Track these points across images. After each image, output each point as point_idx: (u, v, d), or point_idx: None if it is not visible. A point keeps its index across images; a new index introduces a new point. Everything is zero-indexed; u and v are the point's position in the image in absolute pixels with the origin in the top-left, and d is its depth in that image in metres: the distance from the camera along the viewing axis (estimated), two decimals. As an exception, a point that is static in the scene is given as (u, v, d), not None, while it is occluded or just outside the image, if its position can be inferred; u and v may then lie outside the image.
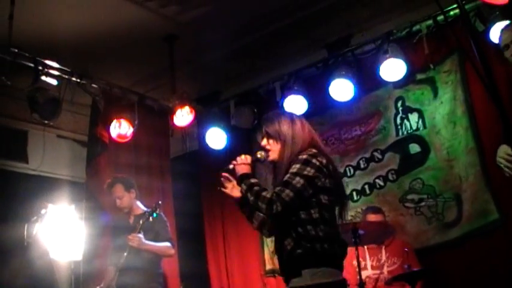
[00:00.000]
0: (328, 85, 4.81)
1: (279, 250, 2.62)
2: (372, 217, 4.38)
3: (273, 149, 2.74)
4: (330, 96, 4.84)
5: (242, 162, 2.81)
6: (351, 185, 5.08)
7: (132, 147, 5.22)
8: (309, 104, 5.00)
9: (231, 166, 2.83)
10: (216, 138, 5.43)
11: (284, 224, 2.55)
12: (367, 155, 5.05)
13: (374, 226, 4.12)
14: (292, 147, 2.63)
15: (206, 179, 5.80)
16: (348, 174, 5.14)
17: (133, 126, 4.98)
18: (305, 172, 2.49)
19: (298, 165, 2.53)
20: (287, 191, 2.48)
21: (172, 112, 5.13)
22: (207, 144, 5.45)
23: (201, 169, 5.89)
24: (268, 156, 2.76)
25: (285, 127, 2.71)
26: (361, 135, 5.11)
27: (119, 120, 4.94)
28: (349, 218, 4.80)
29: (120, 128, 4.95)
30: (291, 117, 2.77)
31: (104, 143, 4.98)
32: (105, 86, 5.02)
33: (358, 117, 5.15)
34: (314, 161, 2.54)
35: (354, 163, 5.13)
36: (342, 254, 2.61)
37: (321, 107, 5.16)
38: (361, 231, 3.80)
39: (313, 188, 2.53)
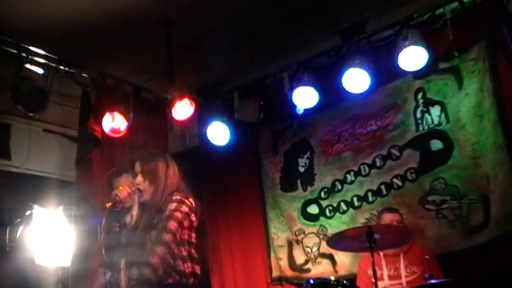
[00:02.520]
0: (341, 75, 4.75)
1: None
2: (388, 216, 4.36)
3: (145, 190, 3.10)
4: (343, 87, 4.78)
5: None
6: (365, 185, 5.07)
7: (126, 143, 5.12)
8: (319, 96, 4.96)
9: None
10: (219, 133, 5.38)
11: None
12: (384, 152, 5.01)
13: (391, 229, 4.05)
14: (162, 194, 3.07)
15: (208, 177, 5.84)
16: (363, 173, 5.12)
17: (128, 120, 4.91)
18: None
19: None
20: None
21: (171, 104, 5.10)
22: (208, 140, 5.41)
23: (202, 167, 5.91)
24: (141, 196, 3.10)
25: (161, 170, 3.12)
26: (377, 131, 5.08)
27: (112, 113, 4.87)
28: (364, 220, 4.97)
29: (114, 122, 4.87)
30: (166, 160, 3.20)
31: (96, 138, 4.90)
32: (96, 75, 4.94)
33: (374, 110, 5.11)
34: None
35: (369, 161, 5.09)
36: None
37: (333, 99, 5.15)
38: (377, 236, 3.78)
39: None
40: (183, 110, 5.07)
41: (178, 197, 3.05)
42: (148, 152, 3.32)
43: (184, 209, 3.04)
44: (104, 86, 5.02)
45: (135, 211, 3.75)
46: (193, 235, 3.13)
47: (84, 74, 4.82)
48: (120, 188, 3.17)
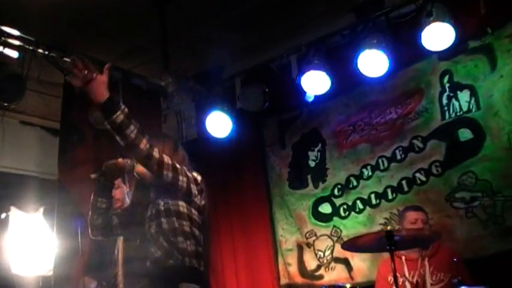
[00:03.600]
0: (357, 58, 4.71)
1: None
2: (412, 215, 4.28)
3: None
4: (359, 71, 4.75)
5: None
6: (384, 181, 5.01)
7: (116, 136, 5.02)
8: (332, 81, 4.93)
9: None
10: (219, 124, 5.37)
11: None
12: (405, 144, 4.95)
13: (413, 233, 3.92)
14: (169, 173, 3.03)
15: (207, 173, 5.43)
16: (381, 167, 5.06)
17: None
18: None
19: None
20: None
21: (165, 92, 5.11)
22: (207, 132, 5.40)
23: (200, 162, 5.56)
24: (136, 167, 3.10)
25: (167, 151, 3.07)
26: (397, 119, 5.02)
27: None
28: (383, 221, 4.92)
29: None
30: (175, 144, 3.28)
31: (81, 131, 4.92)
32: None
33: (393, 96, 5.06)
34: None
35: (388, 153, 5.04)
36: None
37: (348, 84, 5.13)
38: (397, 237, 3.63)
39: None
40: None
41: (185, 168, 3.09)
42: (156, 132, 3.47)
43: (188, 176, 3.05)
44: None
45: (126, 188, 4.09)
46: (196, 213, 3.12)
47: (66, 59, 4.70)
48: (109, 162, 3.18)
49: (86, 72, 2.86)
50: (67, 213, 4.61)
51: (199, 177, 3.18)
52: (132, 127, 2.80)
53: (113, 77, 4.87)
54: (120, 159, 3.22)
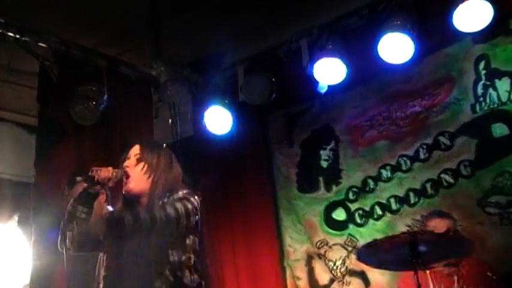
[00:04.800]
0: (377, 42, 4.66)
1: None
2: (438, 222, 4.21)
3: (135, 177, 3.10)
4: (379, 57, 4.71)
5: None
6: (406, 183, 4.97)
7: (101, 132, 5.13)
8: (348, 69, 4.88)
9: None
10: (218, 119, 5.35)
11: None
12: (430, 141, 4.90)
13: (441, 238, 3.86)
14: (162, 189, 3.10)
15: (205, 176, 5.62)
16: (403, 167, 5.00)
17: (101, 103, 4.89)
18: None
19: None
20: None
21: (157, 83, 5.14)
22: (205, 129, 5.39)
23: (197, 163, 5.69)
24: (126, 183, 3.11)
25: (162, 166, 3.14)
26: (420, 113, 4.97)
27: (81, 94, 4.86)
28: (405, 228, 4.82)
29: (84, 106, 4.86)
30: (170, 157, 3.26)
31: (62, 128, 4.93)
32: (58, 45, 4.85)
33: (419, 87, 5.01)
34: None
35: (410, 152, 4.98)
36: None
37: (366, 73, 5.10)
38: (422, 247, 3.58)
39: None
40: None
41: (181, 193, 3.09)
42: (153, 142, 3.45)
43: (190, 206, 3.06)
44: (68, 60, 4.97)
45: (108, 200, 3.89)
46: (197, 241, 3.15)
47: (41, 44, 4.73)
48: (99, 168, 3.13)
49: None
50: (45, 221, 4.55)
51: (196, 202, 3.15)
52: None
53: (96, 65, 5.04)
54: (111, 168, 3.14)
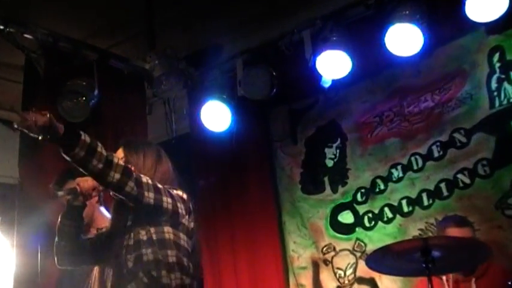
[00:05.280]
0: (385, 33, 4.62)
1: None
2: (455, 233, 4.14)
3: None
4: (387, 49, 4.67)
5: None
6: (418, 183, 4.92)
7: (92, 129, 4.97)
8: (353, 62, 4.84)
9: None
10: (216, 115, 5.33)
11: None
12: (444, 138, 4.86)
13: (457, 243, 3.83)
14: None
15: (202, 176, 5.72)
16: (414, 166, 4.96)
17: (91, 99, 4.89)
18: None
19: None
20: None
21: (150, 77, 5.12)
22: (202, 125, 5.37)
23: (194, 162, 5.80)
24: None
25: (149, 163, 3.15)
26: (434, 108, 4.93)
27: (70, 89, 4.85)
28: (417, 233, 4.82)
29: (73, 102, 4.83)
30: (158, 153, 3.25)
31: None
32: (45, 37, 4.81)
33: (429, 80, 4.97)
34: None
35: (423, 150, 4.95)
36: None
37: (373, 66, 5.08)
38: (436, 253, 3.56)
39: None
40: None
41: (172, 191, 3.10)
42: (136, 140, 3.42)
43: (173, 196, 3.06)
44: (56, 52, 4.94)
45: (99, 212, 4.03)
46: (185, 238, 3.13)
47: (27, 35, 4.72)
48: (83, 178, 3.12)
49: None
50: (30, 226, 4.56)
51: (185, 195, 3.17)
52: (95, 160, 2.79)
53: (86, 58, 5.01)
54: None
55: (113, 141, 5.03)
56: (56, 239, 3.18)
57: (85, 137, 2.79)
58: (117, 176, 2.83)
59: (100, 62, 5.08)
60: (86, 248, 3.18)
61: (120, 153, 3.18)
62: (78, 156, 2.76)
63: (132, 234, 3.01)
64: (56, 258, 3.22)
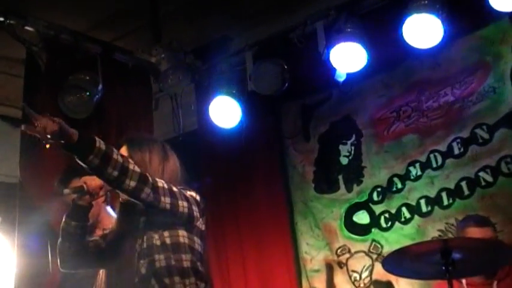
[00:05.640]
0: (402, 24, 4.59)
1: None
2: (475, 232, 4.10)
3: None
4: (404, 41, 4.63)
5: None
6: (437, 182, 4.88)
7: (95, 126, 5.05)
8: (369, 55, 4.80)
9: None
10: (225, 111, 5.31)
11: None
12: (465, 134, 4.82)
13: (478, 245, 3.80)
14: None
15: (210, 174, 5.71)
16: (433, 164, 4.92)
17: (95, 94, 4.88)
18: None
19: None
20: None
21: (156, 71, 5.17)
22: (210, 121, 5.35)
23: (202, 160, 5.80)
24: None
25: (155, 161, 3.12)
26: (454, 103, 4.89)
27: (72, 84, 4.86)
28: (437, 234, 4.82)
29: (76, 97, 4.83)
30: (164, 149, 3.22)
31: None
32: (46, 29, 4.80)
33: (449, 73, 4.93)
34: None
35: (442, 147, 4.91)
36: None
37: (390, 59, 5.05)
38: (456, 255, 3.53)
39: None
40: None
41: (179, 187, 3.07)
42: (140, 136, 3.41)
43: (188, 198, 3.05)
44: (58, 45, 4.93)
45: (105, 212, 4.02)
46: (199, 241, 3.13)
47: (28, 28, 4.71)
48: (90, 177, 3.09)
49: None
50: (32, 225, 4.55)
51: (198, 197, 3.15)
52: (110, 168, 2.78)
53: (89, 52, 4.99)
54: None
55: (117, 138, 4.89)
56: (60, 239, 3.15)
57: (100, 144, 2.79)
58: (133, 183, 2.82)
59: (103, 55, 5.08)
60: (91, 250, 3.17)
61: (123, 151, 3.14)
62: (92, 164, 2.76)
63: (144, 238, 3.01)
64: (58, 260, 3.19)
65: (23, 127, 2.88)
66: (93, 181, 3.07)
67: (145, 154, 3.12)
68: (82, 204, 3.10)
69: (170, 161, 3.20)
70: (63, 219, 3.15)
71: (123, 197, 3.07)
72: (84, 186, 3.05)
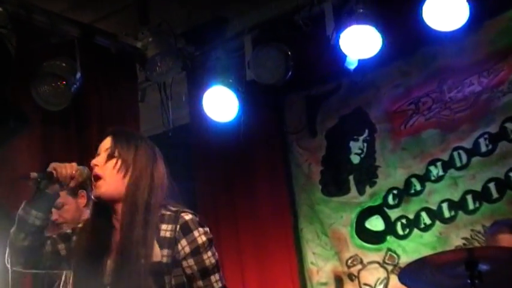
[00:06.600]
0: (422, 4, 4.55)
1: None
2: (508, 240, 4.01)
3: (107, 177, 2.89)
4: (424, 24, 4.60)
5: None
6: (462, 184, 4.86)
7: (73, 120, 5.16)
8: (385, 39, 4.77)
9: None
10: (220, 103, 5.31)
11: None
12: (494, 129, 4.78)
13: (509, 255, 3.65)
14: (149, 195, 2.92)
15: (204, 170, 5.80)
16: (457, 163, 4.90)
17: (73, 83, 4.88)
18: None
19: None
20: None
21: (143, 57, 5.16)
22: (204, 114, 5.36)
23: (194, 157, 5.88)
24: (96, 186, 2.91)
25: (142, 161, 2.98)
26: (481, 93, 4.85)
27: (47, 71, 4.87)
28: (461, 242, 4.81)
29: (51, 86, 4.85)
30: (153, 150, 3.08)
31: (23, 114, 4.90)
32: (17, 8, 4.77)
33: (475, 60, 4.90)
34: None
35: (467, 144, 4.88)
36: None
37: (407, 44, 5.06)
38: (483, 266, 3.46)
39: None
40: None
41: (190, 216, 2.86)
42: (127, 130, 3.27)
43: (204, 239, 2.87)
44: (30, 27, 4.93)
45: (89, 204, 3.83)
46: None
47: None
48: (60, 164, 3.00)
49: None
50: (1, 227, 4.16)
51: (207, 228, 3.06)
52: None
53: (66, 35, 4.96)
54: (75, 164, 3.02)
55: (99, 132, 4.98)
56: (14, 229, 2.97)
57: None
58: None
59: (82, 39, 5.08)
60: (47, 248, 3.00)
61: (107, 143, 2.99)
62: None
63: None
64: (8, 254, 3.01)
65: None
66: (63, 169, 2.93)
67: (130, 151, 2.99)
68: (49, 192, 2.97)
69: (159, 166, 3.05)
70: (22, 207, 2.97)
71: (93, 195, 2.95)
72: (54, 173, 2.94)
